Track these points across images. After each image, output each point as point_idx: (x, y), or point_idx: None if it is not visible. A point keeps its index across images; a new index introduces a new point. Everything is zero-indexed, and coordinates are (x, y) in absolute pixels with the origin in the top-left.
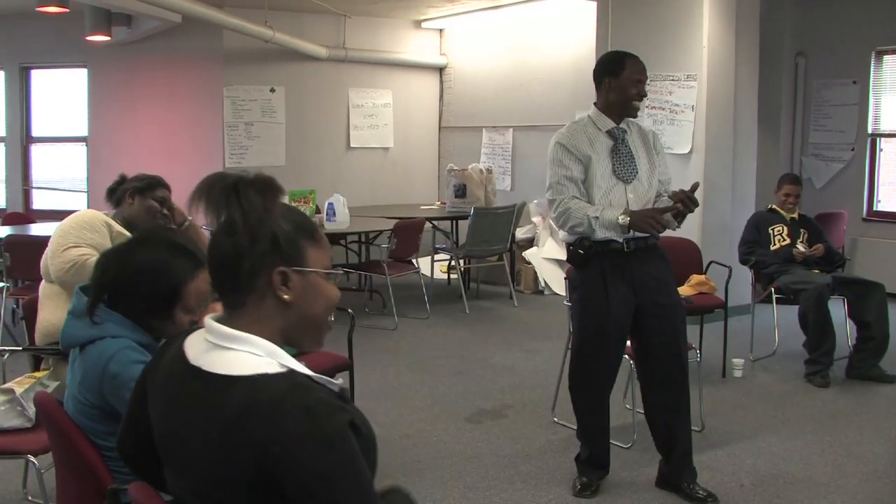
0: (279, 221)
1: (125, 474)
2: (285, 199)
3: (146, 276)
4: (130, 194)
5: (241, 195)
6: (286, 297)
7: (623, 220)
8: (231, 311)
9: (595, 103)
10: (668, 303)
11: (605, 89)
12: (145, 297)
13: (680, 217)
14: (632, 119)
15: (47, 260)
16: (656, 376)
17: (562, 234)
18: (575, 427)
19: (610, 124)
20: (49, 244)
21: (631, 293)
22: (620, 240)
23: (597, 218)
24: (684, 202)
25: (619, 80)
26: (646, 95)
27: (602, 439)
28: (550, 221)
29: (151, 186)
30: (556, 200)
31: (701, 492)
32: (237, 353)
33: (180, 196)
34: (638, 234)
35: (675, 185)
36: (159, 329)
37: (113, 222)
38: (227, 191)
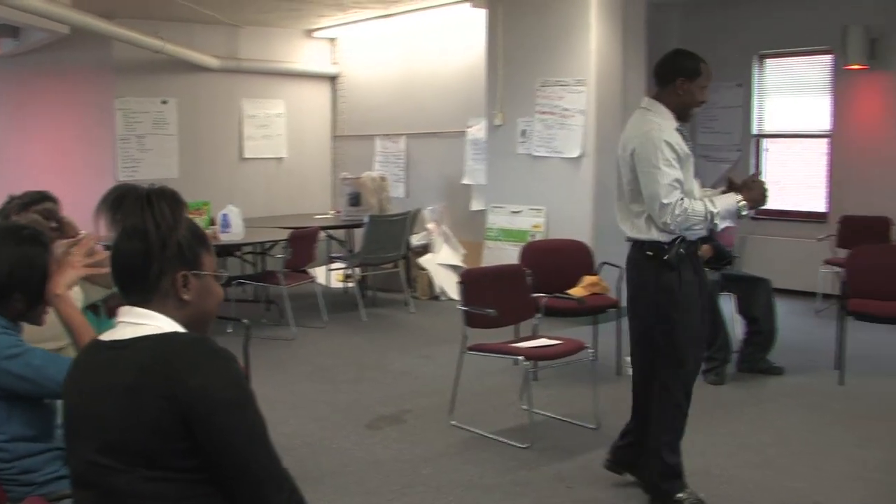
0: (183, 231)
1: (19, 490)
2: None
3: (18, 275)
4: (16, 211)
5: (154, 206)
6: (186, 296)
7: (741, 203)
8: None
9: (656, 97)
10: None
11: (675, 88)
12: (25, 293)
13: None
14: None
15: None
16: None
17: (632, 232)
18: (471, 430)
19: (677, 122)
20: None
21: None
22: (718, 229)
23: (714, 212)
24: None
25: (694, 83)
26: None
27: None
28: (445, 228)
29: (35, 200)
30: (670, 204)
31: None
32: (147, 326)
33: (70, 211)
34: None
35: (563, 189)
36: (34, 316)
37: None
38: (140, 201)
